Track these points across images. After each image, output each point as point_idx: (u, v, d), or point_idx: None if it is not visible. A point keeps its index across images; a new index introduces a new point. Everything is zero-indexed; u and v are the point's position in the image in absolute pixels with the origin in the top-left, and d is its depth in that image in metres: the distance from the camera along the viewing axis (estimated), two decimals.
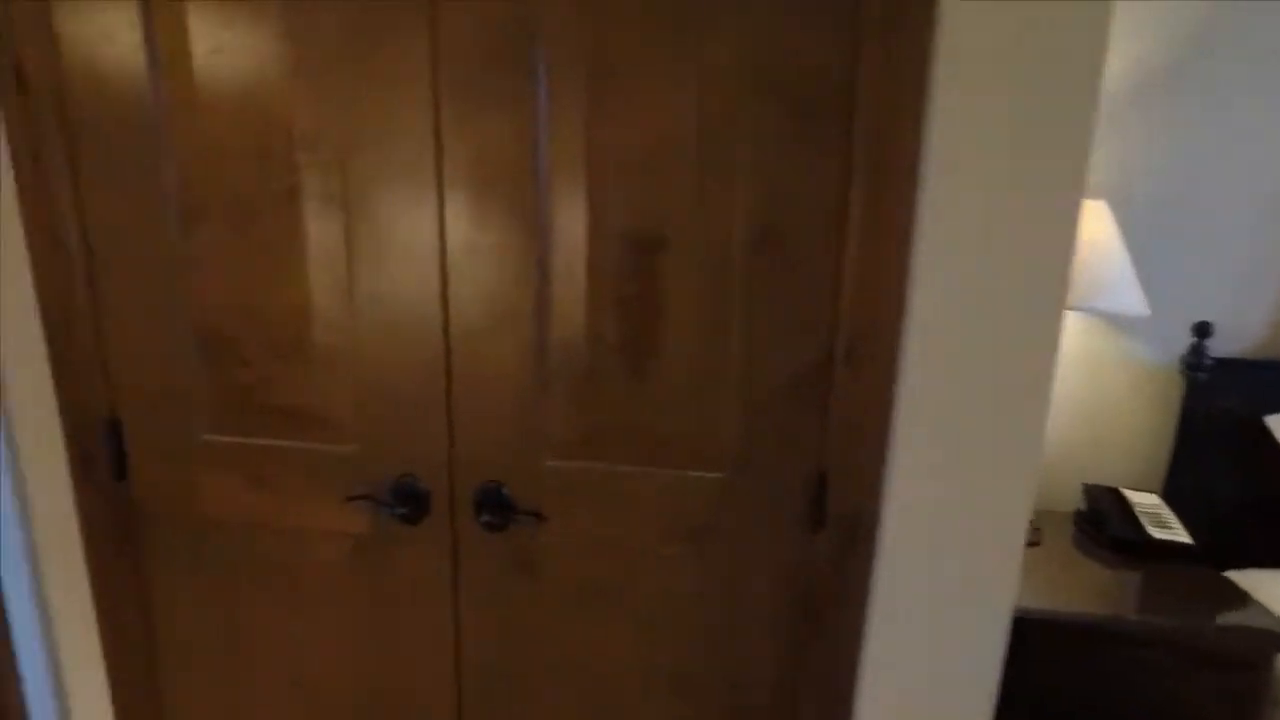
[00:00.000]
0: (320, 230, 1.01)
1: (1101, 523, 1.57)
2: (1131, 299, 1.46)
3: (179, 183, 1.02)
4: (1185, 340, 1.68)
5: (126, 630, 1.23)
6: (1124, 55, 1.58)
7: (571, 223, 0.96)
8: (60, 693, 1.23)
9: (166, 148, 1.01)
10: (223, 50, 0.96)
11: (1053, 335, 0.89)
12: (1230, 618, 1.28)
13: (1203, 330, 1.62)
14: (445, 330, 1.01)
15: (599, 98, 0.92)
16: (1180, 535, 1.50)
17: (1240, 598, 1.35)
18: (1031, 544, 1.54)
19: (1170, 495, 1.68)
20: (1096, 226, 1.47)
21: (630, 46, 0.90)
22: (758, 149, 0.91)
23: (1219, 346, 1.66)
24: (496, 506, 1.05)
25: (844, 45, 0.87)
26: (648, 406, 1.01)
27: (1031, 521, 1.58)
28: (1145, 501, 1.62)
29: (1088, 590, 1.37)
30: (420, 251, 0.99)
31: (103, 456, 1.13)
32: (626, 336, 0.99)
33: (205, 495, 1.14)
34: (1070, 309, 1.49)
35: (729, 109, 0.90)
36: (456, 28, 0.92)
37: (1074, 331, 1.71)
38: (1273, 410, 1.63)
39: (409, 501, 1.07)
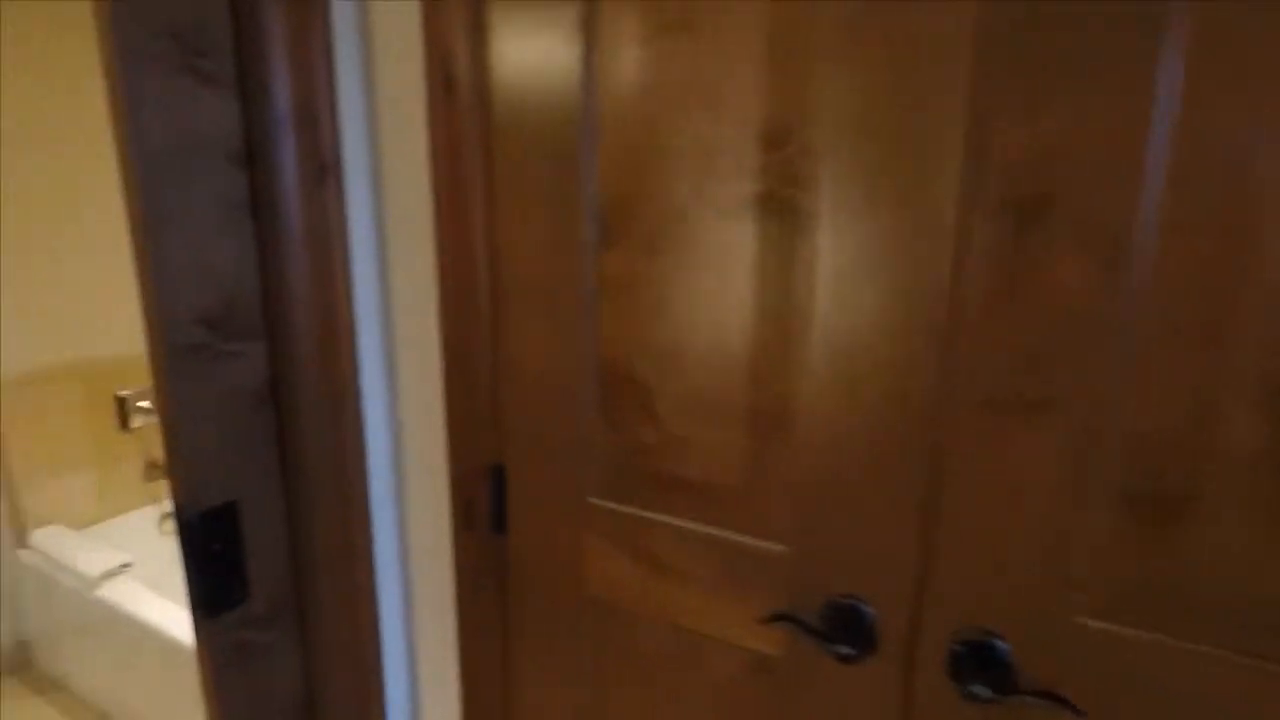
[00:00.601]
0: (776, 256, 0.75)
1: None
2: None
3: (600, 196, 0.84)
4: None
5: (484, 688, 1.10)
6: None
7: (1192, 259, 0.59)
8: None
9: (591, 151, 0.83)
10: (674, 25, 0.75)
11: None
12: None
13: None
14: (937, 406, 0.70)
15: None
16: None
17: None
18: None
19: None
20: None
21: None
22: None
23: None
24: (988, 669, 0.71)
25: None
26: None
27: None
28: None
29: None
30: (920, 293, 0.68)
31: (484, 505, 1.00)
32: (1270, 440, 0.59)
33: (587, 566, 0.96)
34: None
35: None
36: None
37: None
38: None
39: (847, 632, 0.77)
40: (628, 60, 0.79)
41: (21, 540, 2.21)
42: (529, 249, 0.89)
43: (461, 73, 0.88)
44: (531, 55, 0.84)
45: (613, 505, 0.92)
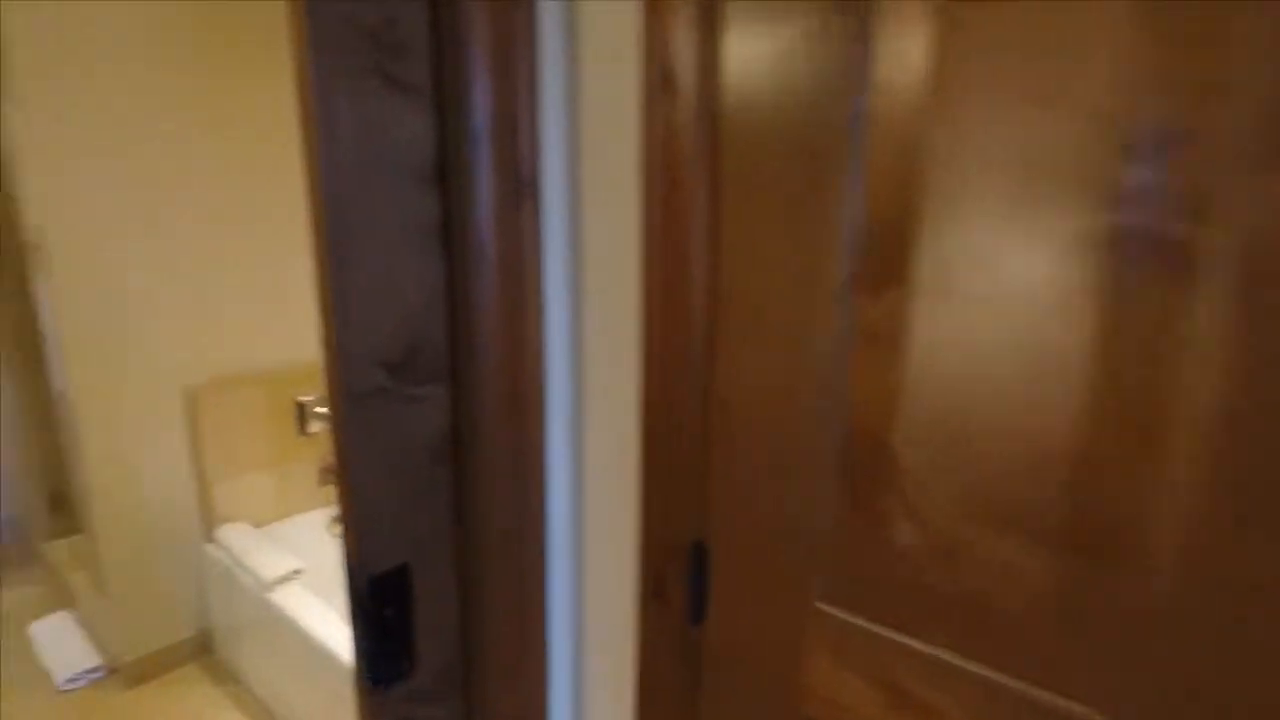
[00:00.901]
0: (1141, 316, 0.53)
1: None
2: None
3: (866, 219, 0.65)
4: None
5: None
6: None
7: None
8: None
9: (857, 162, 0.64)
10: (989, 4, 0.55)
11: None
12: None
13: None
14: None
15: None
16: None
17: None
18: None
19: None
20: None
21: None
22: None
23: None
24: None
25: None
26: None
27: None
28: None
29: None
30: None
31: (679, 589, 0.83)
32: None
33: (807, 681, 0.77)
34: None
35: None
36: None
37: None
38: None
39: None
40: (916, 38, 0.59)
41: (208, 535, 2.33)
42: (762, 282, 0.72)
43: (683, 68, 0.73)
44: (781, 41, 0.66)
45: (848, 616, 0.72)
